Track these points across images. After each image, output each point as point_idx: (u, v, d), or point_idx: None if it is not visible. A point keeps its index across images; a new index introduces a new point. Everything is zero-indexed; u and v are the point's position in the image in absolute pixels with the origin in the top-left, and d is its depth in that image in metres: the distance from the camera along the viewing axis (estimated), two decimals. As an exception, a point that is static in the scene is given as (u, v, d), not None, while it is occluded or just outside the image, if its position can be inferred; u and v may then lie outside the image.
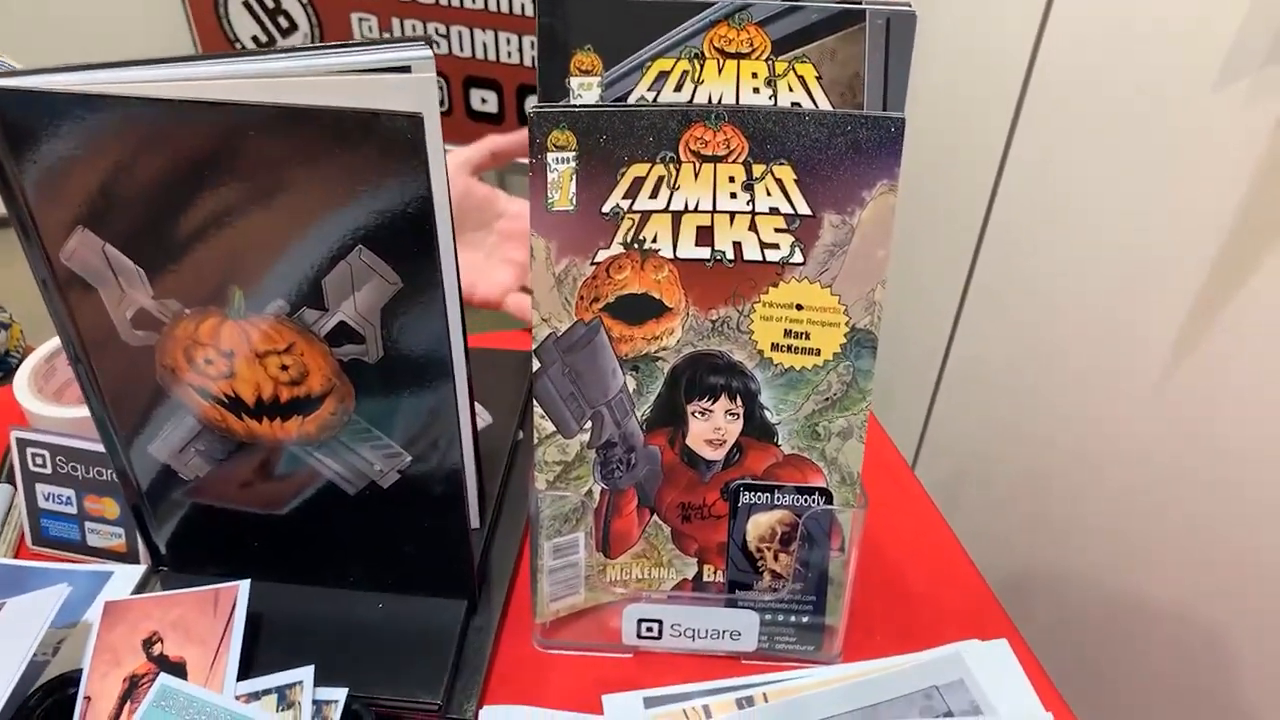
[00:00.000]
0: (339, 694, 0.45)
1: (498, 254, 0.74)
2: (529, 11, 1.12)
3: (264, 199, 0.39)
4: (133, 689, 0.46)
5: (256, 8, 1.26)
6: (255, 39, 1.30)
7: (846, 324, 0.47)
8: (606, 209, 0.45)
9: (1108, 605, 0.99)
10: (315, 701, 0.45)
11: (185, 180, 0.39)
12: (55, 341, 0.65)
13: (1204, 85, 0.79)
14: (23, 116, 0.38)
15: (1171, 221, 0.86)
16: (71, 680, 0.46)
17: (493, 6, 1.13)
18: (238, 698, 0.45)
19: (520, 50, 1.15)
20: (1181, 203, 0.85)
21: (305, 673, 0.46)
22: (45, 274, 0.42)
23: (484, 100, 1.20)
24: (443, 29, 1.17)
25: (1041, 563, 1.08)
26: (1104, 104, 0.91)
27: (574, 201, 0.45)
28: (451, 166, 0.67)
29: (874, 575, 0.58)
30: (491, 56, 1.16)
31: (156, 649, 0.47)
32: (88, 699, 0.45)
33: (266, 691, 0.46)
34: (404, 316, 0.41)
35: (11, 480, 0.60)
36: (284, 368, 0.43)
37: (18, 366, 0.73)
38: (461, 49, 1.17)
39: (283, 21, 1.26)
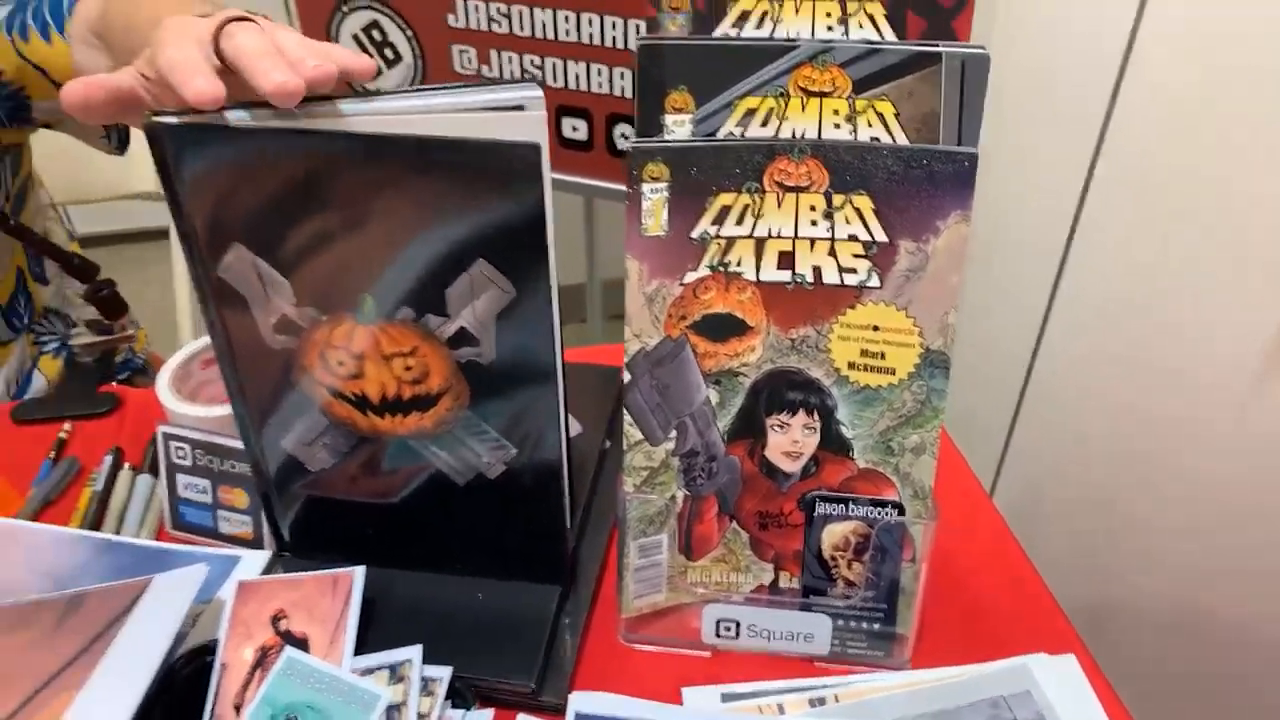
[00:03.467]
0: (444, 672, 0.50)
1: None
2: (619, 45, 1.17)
3: (399, 219, 0.44)
4: (262, 659, 0.51)
5: (364, 39, 1.35)
6: (363, 71, 1.38)
7: (920, 345, 0.50)
8: (695, 234, 0.49)
9: (1181, 632, 0.98)
10: (423, 678, 0.50)
11: (330, 203, 0.44)
12: (190, 347, 0.71)
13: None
14: (192, 149, 0.44)
15: (1257, 252, 0.86)
16: (209, 649, 0.52)
17: (585, 40, 1.19)
18: (354, 671, 0.50)
19: (609, 81, 1.20)
20: (1268, 232, 0.84)
21: (414, 651, 0.50)
22: (204, 285, 0.48)
23: (574, 128, 1.26)
24: (537, 60, 1.24)
25: (1117, 587, 1.07)
26: (1191, 123, 0.91)
27: (665, 227, 0.49)
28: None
29: (944, 587, 0.60)
30: (583, 87, 1.22)
31: (283, 624, 0.52)
32: (224, 666, 0.51)
33: (380, 667, 0.50)
34: (516, 322, 0.46)
35: (153, 471, 0.67)
36: (407, 368, 0.48)
37: (142, 367, 0.81)
38: (555, 79, 1.23)
39: (389, 54, 1.34)
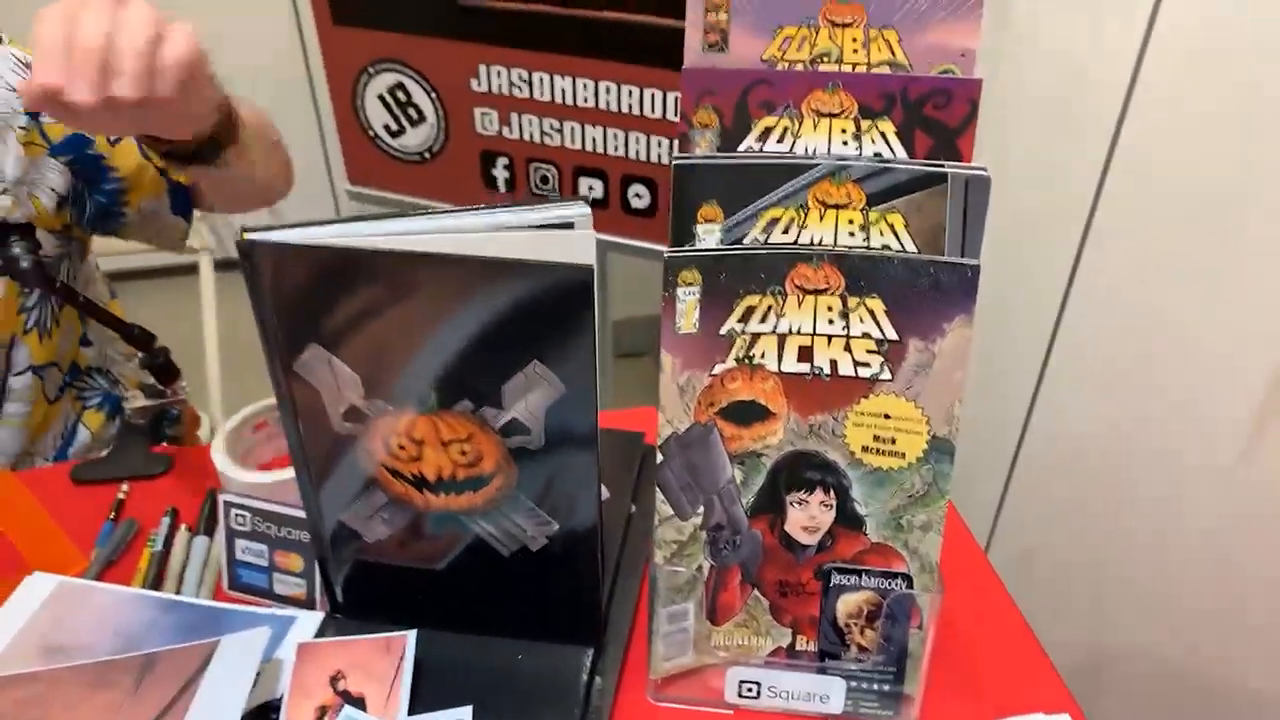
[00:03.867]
0: (492, 731, 0.54)
1: None
2: (634, 111, 1.23)
3: (463, 325, 0.49)
4: (322, 717, 0.56)
5: (390, 100, 1.41)
6: (386, 127, 1.44)
7: (928, 433, 0.55)
8: (724, 331, 0.54)
9: (1168, 685, 1.02)
10: (473, 736, 0.54)
11: (401, 311, 0.49)
12: (242, 413, 0.76)
13: None
14: (278, 262, 0.49)
15: (1246, 315, 0.91)
16: (273, 707, 0.56)
17: (602, 105, 1.26)
18: (408, 730, 0.55)
19: (625, 144, 1.26)
20: (1254, 296, 0.89)
21: (465, 713, 0.55)
22: (280, 377, 0.53)
23: (591, 188, 1.32)
24: (556, 124, 1.30)
25: (1110, 641, 1.11)
26: (1187, 189, 0.96)
27: (697, 325, 0.54)
28: None
29: (948, 651, 0.64)
30: (600, 149, 1.28)
31: (340, 684, 0.57)
32: (286, 723, 0.55)
33: (432, 726, 0.55)
34: (563, 412, 0.51)
35: (208, 532, 0.72)
36: (463, 453, 0.53)
37: (178, 416, 0.86)
38: (573, 142, 1.29)
39: (413, 114, 1.40)
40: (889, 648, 0.59)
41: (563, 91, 1.24)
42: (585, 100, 1.24)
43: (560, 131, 1.28)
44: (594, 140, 1.26)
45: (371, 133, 1.44)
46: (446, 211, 0.51)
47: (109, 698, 0.55)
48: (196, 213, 0.90)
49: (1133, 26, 0.96)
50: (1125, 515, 1.08)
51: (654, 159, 1.24)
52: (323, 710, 0.56)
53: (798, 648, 0.61)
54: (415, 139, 1.41)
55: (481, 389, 0.51)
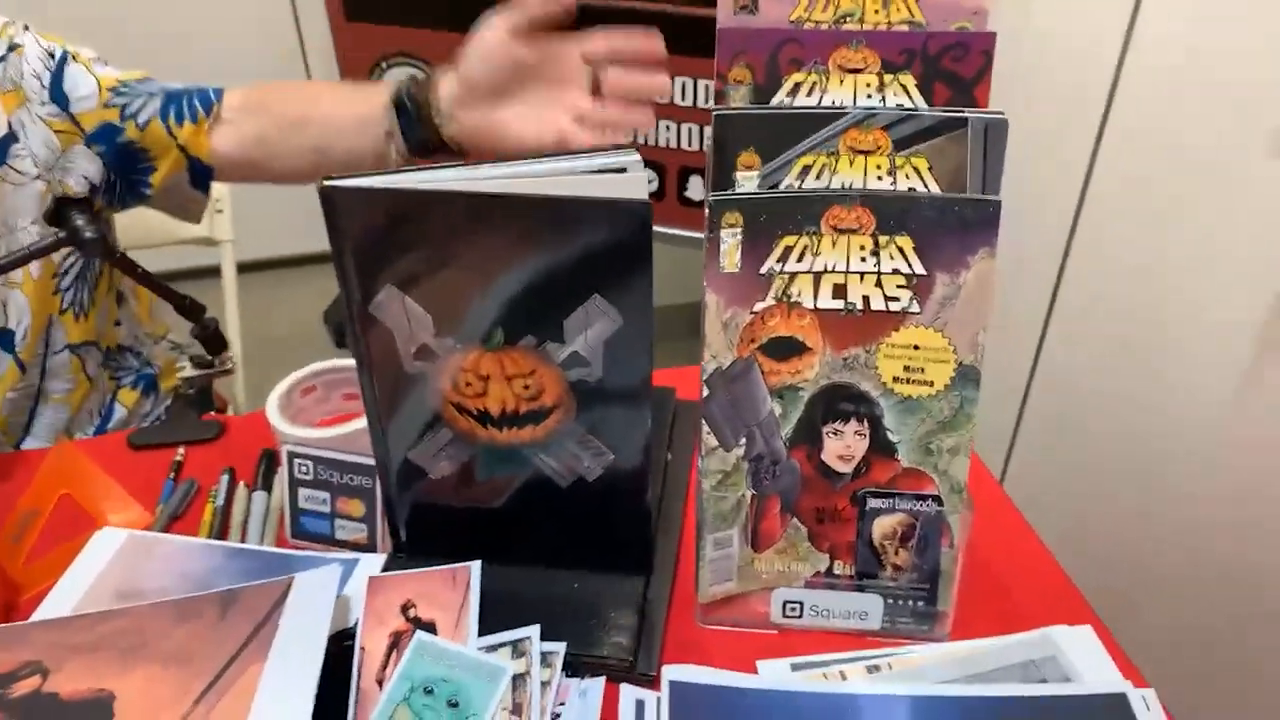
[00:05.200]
0: (559, 646, 0.58)
1: (545, 101, 0.78)
2: (691, 103, 1.26)
3: (528, 263, 0.53)
4: (396, 643, 0.59)
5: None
6: (398, 121, 1.48)
7: (955, 361, 0.59)
8: (764, 270, 0.59)
9: (1184, 594, 1.06)
10: (542, 653, 0.58)
11: (471, 251, 0.53)
12: (291, 378, 0.80)
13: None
14: (355, 207, 0.53)
15: (1237, 269, 0.96)
16: (349, 634, 0.60)
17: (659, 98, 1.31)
18: (479, 650, 0.58)
19: (678, 136, 1.29)
20: (1247, 252, 0.94)
21: (533, 630, 0.59)
22: (354, 317, 0.56)
23: (649, 180, 1.36)
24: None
25: (1125, 563, 1.16)
26: (1181, 152, 1.01)
27: (739, 265, 0.59)
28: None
29: (975, 570, 0.69)
30: (657, 142, 1.31)
31: (411, 612, 0.61)
32: (363, 650, 0.59)
33: (503, 644, 0.59)
34: (620, 346, 0.55)
35: (265, 487, 0.76)
36: (525, 387, 0.57)
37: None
38: (628, 134, 1.33)
39: (425, 107, 1.44)
40: (922, 566, 0.63)
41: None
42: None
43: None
44: (651, 132, 1.28)
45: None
46: (507, 162, 0.55)
47: (196, 627, 0.59)
48: (221, 205, 0.94)
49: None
50: (1135, 444, 1.13)
51: (664, 143, 1.27)
52: (396, 636, 0.59)
53: (835, 572, 0.65)
54: (430, 133, 1.44)
55: (545, 324, 0.55)
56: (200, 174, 0.89)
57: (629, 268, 0.53)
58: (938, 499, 0.62)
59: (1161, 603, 1.11)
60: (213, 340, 0.82)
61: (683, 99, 1.25)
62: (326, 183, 0.52)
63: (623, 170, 0.54)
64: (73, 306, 0.88)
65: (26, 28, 0.83)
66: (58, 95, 0.81)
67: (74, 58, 0.83)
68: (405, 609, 0.61)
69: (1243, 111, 0.95)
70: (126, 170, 0.86)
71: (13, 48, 0.81)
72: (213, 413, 0.87)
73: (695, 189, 1.31)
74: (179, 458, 0.79)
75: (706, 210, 0.57)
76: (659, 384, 0.87)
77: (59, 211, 0.76)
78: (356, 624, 0.60)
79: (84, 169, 0.83)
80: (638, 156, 0.55)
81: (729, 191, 0.59)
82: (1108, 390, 1.16)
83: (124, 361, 0.97)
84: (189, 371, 0.85)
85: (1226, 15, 0.94)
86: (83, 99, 0.82)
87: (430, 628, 0.60)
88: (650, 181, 1.34)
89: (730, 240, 0.58)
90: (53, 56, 0.82)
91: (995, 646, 0.62)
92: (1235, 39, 0.94)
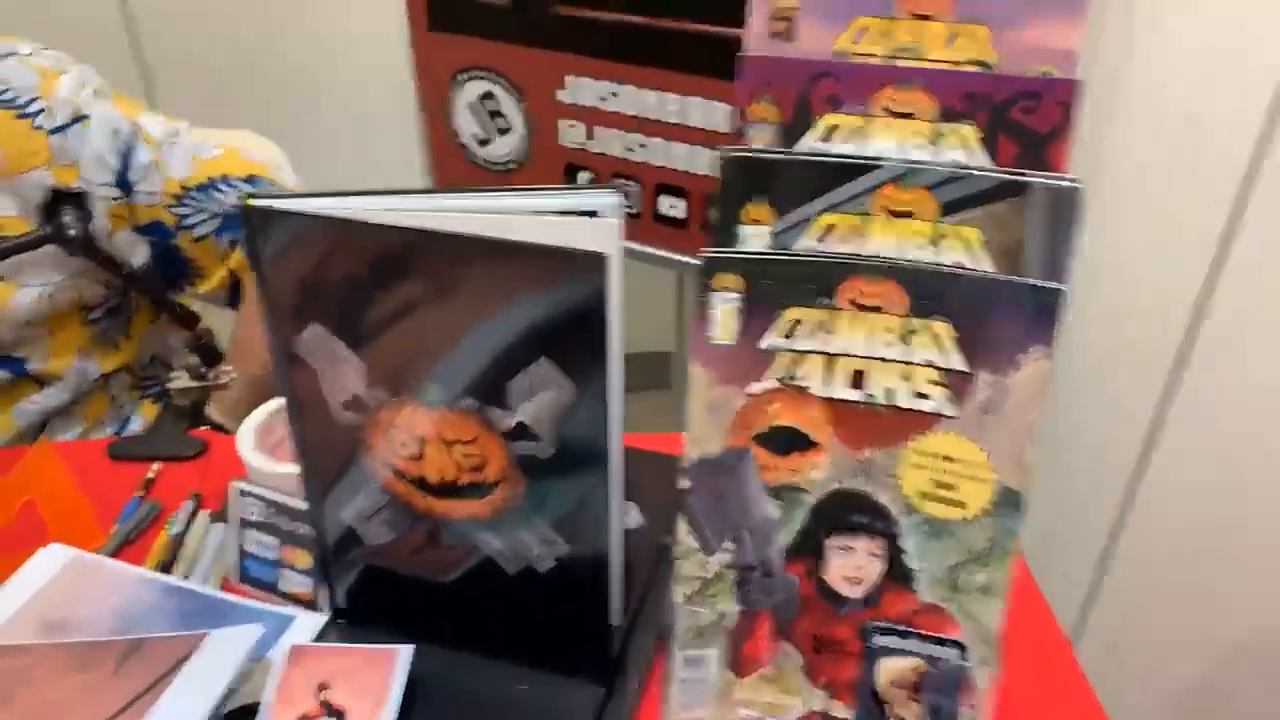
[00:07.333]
0: (476, 766, 0.49)
1: None
2: (719, 128, 1.18)
3: (466, 311, 0.45)
4: (301, 728, 0.52)
5: (480, 108, 1.41)
6: (475, 136, 1.44)
7: (995, 481, 0.48)
8: (764, 345, 0.49)
9: None
10: (452, 771, 0.49)
11: (404, 290, 0.45)
12: (276, 402, 0.74)
13: None
14: (279, 230, 0.46)
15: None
16: (251, 711, 0.53)
17: (686, 121, 1.22)
18: (386, 754, 0.50)
19: (709, 162, 1.22)
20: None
21: (450, 740, 0.50)
22: (281, 357, 0.49)
23: (672, 206, 1.28)
24: (642, 140, 1.26)
25: None
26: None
27: (734, 336, 0.49)
28: None
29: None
30: (683, 167, 1.24)
31: (325, 695, 0.53)
32: (263, 731, 0.51)
33: (412, 752, 0.50)
34: (574, 420, 0.46)
35: (223, 520, 0.70)
36: (466, 455, 0.48)
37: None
38: (656, 158, 1.25)
39: (501, 123, 1.39)
40: (934, 726, 0.51)
41: (648, 106, 1.21)
42: (670, 115, 1.20)
43: (645, 147, 1.24)
44: (678, 157, 1.22)
45: (460, 141, 1.44)
46: (471, 190, 0.47)
47: (89, 678, 0.53)
48: None
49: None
50: (1228, 616, 0.95)
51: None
52: (303, 721, 0.52)
53: (832, 713, 0.54)
54: (502, 149, 1.40)
55: (485, 385, 0.46)
56: (235, 294, 0.88)
57: (583, 331, 0.44)
58: (961, 646, 0.50)
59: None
60: (206, 351, 0.78)
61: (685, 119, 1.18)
62: (249, 201, 0.45)
63: (593, 214, 0.46)
64: (104, 340, 0.86)
65: (98, 93, 0.78)
66: (123, 182, 0.78)
67: (144, 138, 0.80)
68: (320, 689, 0.53)
69: None
70: (168, 267, 0.85)
71: (79, 119, 0.76)
72: (205, 428, 0.83)
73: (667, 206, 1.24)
74: (151, 474, 0.74)
75: (700, 269, 0.48)
76: (668, 450, 0.77)
77: (51, 206, 0.73)
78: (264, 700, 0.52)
79: (127, 253, 0.82)
80: (618, 199, 0.46)
81: (728, 249, 0.49)
82: (1200, 556, 0.98)
83: (153, 372, 0.95)
84: (183, 382, 0.81)
85: None
86: (148, 194, 0.80)
87: (340, 715, 0.52)
88: (672, 208, 1.25)
89: (725, 306, 0.48)
90: (118, 134, 0.78)
91: (1017, 843, 0.49)
92: None
